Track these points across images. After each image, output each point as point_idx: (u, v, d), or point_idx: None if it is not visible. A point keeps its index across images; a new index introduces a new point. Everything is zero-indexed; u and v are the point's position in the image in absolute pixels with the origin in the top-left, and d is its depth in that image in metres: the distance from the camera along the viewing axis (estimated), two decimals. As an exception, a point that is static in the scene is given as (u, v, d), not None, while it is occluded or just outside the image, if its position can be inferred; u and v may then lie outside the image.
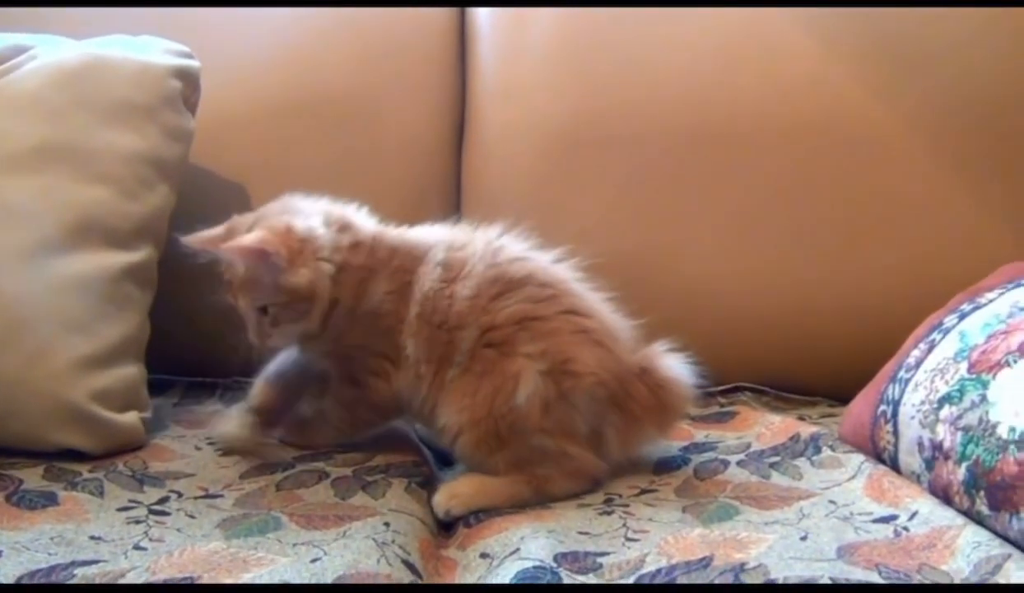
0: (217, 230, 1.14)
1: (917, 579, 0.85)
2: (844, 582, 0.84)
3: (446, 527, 1.05)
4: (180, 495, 1.04)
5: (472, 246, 1.14)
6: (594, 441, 1.09)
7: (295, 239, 1.10)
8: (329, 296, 1.11)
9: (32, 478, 1.06)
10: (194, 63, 1.35)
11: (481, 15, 1.58)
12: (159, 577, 0.86)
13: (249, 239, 1.08)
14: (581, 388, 1.07)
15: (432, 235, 1.17)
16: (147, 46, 1.34)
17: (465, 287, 1.10)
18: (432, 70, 1.57)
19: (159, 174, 1.28)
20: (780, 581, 0.84)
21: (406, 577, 0.88)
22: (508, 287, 1.10)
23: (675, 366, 1.13)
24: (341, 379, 1.16)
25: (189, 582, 0.85)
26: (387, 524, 0.96)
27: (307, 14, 1.56)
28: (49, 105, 1.24)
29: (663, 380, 1.12)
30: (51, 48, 1.30)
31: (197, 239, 1.12)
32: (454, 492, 1.07)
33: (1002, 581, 0.83)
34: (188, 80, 1.34)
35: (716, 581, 0.85)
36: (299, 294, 1.09)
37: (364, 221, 1.18)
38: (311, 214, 1.14)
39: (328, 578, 0.85)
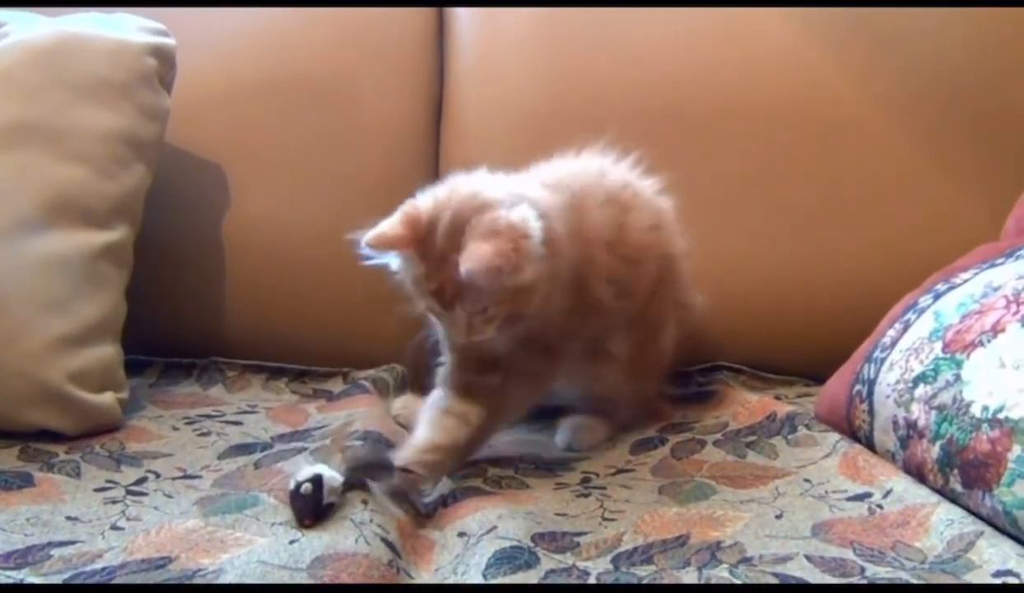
0: (395, 226, 1.02)
1: (891, 556, 0.85)
2: (819, 559, 0.85)
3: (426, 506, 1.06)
4: (158, 476, 1.04)
5: (611, 174, 1.19)
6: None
7: (518, 236, 1.00)
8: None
9: (7, 459, 1.06)
10: (170, 41, 1.34)
11: (460, 12, 1.58)
12: (136, 557, 0.85)
13: (483, 254, 0.97)
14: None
15: (559, 170, 1.17)
16: (122, 24, 1.32)
17: (639, 219, 1.15)
18: (410, 51, 1.56)
19: (135, 153, 1.27)
20: (755, 558, 0.85)
21: (385, 555, 0.88)
22: (656, 219, 1.19)
23: None
24: (531, 354, 1.10)
25: (166, 561, 0.85)
26: (364, 502, 0.96)
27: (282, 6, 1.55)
28: (23, 83, 1.23)
29: None
30: (24, 25, 1.29)
31: (388, 239, 1.02)
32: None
33: (975, 558, 0.83)
34: (164, 58, 1.33)
35: (692, 559, 0.86)
36: (523, 292, 1.02)
37: (524, 185, 1.10)
38: (509, 199, 1.04)
39: (306, 559, 0.85)
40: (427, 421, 1.08)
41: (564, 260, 1.05)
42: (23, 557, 0.86)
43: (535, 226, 1.01)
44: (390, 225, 1.02)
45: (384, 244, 1.02)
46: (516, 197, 1.04)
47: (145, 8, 1.46)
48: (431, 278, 1.01)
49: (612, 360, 1.18)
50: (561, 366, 1.15)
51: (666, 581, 0.83)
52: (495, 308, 1.02)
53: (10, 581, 0.82)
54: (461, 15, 1.57)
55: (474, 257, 0.97)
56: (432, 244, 1.01)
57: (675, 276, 1.24)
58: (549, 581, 0.83)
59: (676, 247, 1.23)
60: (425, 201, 1.04)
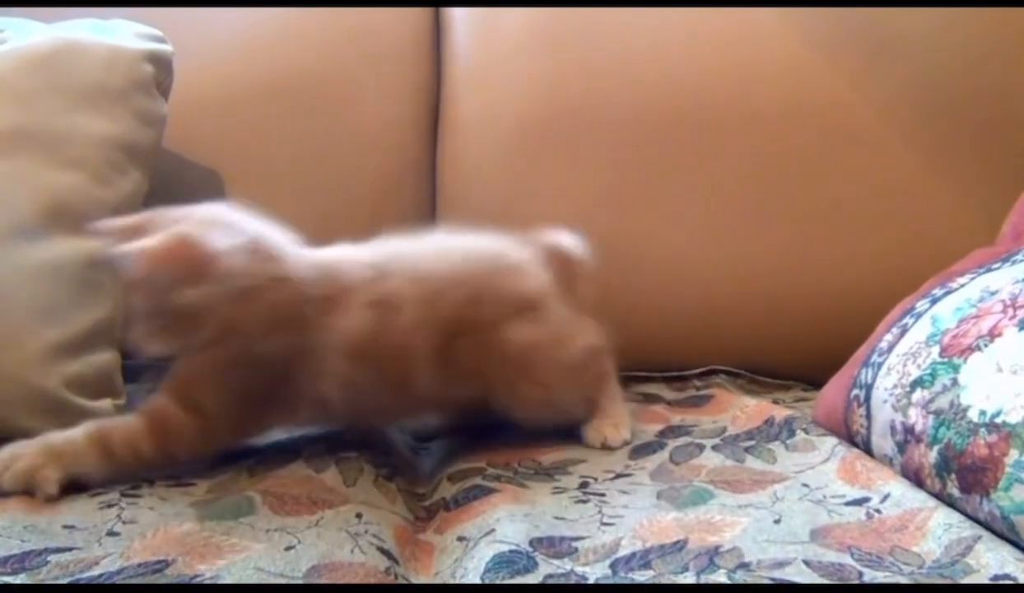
0: (131, 220, 1.04)
1: (889, 561, 0.85)
2: (818, 564, 0.85)
3: (426, 510, 1.06)
4: (151, 482, 1.04)
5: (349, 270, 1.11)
6: None
7: (205, 254, 0.99)
8: (225, 325, 1.02)
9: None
10: (166, 47, 1.34)
11: (456, 12, 1.58)
12: (133, 561, 0.85)
13: (154, 243, 0.98)
14: None
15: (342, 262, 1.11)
16: (118, 30, 1.32)
17: (402, 315, 1.09)
18: (407, 54, 1.57)
19: (131, 159, 1.27)
20: (753, 563, 0.85)
21: (381, 563, 0.88)
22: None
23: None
24: (176, 401, 1.06)
25: (163, 566, 0.85)
26: (359, 515, 0.97)
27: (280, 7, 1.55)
28: (19, 89, 1.23)
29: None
30: (21, 32, 1.28)
31: (106, 227, 1.03)
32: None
33: (972, 562, 0.83)
34: (160, 64, 1.33)
35: (690, 564, 0.86)
36: (186, 313, 1.00)
37: (296, 254, 1.08)
38: (237, 233, 1.03)
39: (303, 566, 0.85)
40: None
41: (263, 329, 1.03)
42: (20, 563, 0.86)
43: (237, 262, 1.01)
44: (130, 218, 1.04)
45: (107, 230, 1.03)
46: (251, 238, 1.03)
47: (142, 8, 1.47)
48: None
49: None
50: (206, 435, 1.07)
51: (664, 586, 0.83)
52: (162, 319, 1.01)
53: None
54: (458, 19, 1.58)
55: (143, 242, 0.98)
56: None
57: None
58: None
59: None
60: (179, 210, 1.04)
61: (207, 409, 1.05)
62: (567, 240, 1.24)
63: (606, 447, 1.17)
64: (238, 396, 1.06)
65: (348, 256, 1.12)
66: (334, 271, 1.09)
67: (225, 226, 1.03)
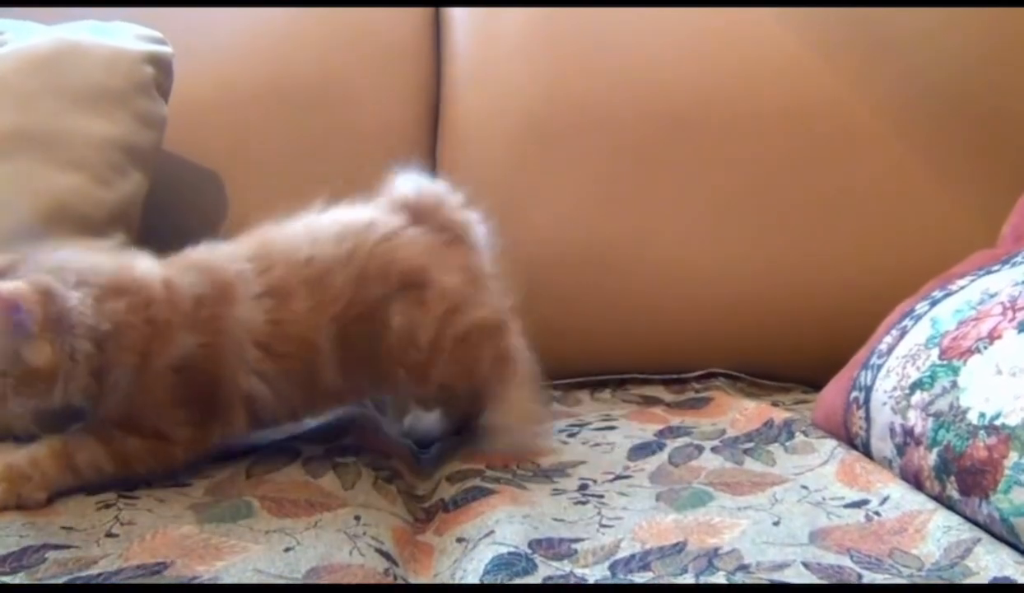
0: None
1: (888, 563, 0.85)
2: (816, 566, 0.84)
3: (425, 512, 1.06)
4: (149, 484, 1.04)
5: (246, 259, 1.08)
6: None
7: (53, 307, 0.94)
8: (90, 370, 0.97)
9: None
10: (167, 49, 1.34)
11: (456, 12, 1.58)
12: (132, 563, 0.85)
13: (4, 287, 0.92)
14: None
15: (208, 261, 1.07)
16: (119, 32, 1.33)
17: (296, 301, 1.06)
18: (407, 55, 1.57)
19: (132, 161, 1.27)
20: (753, 565, 0.85)
21: (380, 565, 0.88)
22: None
23: None
24: (123, 431, 1.02)
25: (162, 568, 0.85)
26: (357, 518, 0.97)
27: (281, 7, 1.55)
28: (20, 91, 1.23)
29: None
30: (21, 33, 1.29)
31: None
32: None
33: (971, 565, 0.83)
34: (161, 66, 1.33)
35: (689, 566, 0.86)
36: (37, 372, 0.95)
37: (150, 270, 1.03)
38: (74, 279, 0.97)
39: (302, 568, 0.85)
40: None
41: (143, 352, 0.99)
42: (18, 560, 0.86)
43: (81, 312, 0.95)
44: None
45: None
46: (91, 278, 0.98)
47: (142, 9, 1.47)
48: None
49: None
50: (176, 452, 1.05)
51: (663, 588, 0.83)
52: (9, 379, 0.95)
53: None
54: (458, 19, 1.58)
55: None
56: None
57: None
58: (546, 588, 0.84)
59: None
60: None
61: (154, 429, 1.02)
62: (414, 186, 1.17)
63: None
64: (175, 407, 1.03)
65: (221, 252, 1.09)
66: (213, 267, 1.06)
67: (65, 270, 0.97)
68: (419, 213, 1.14)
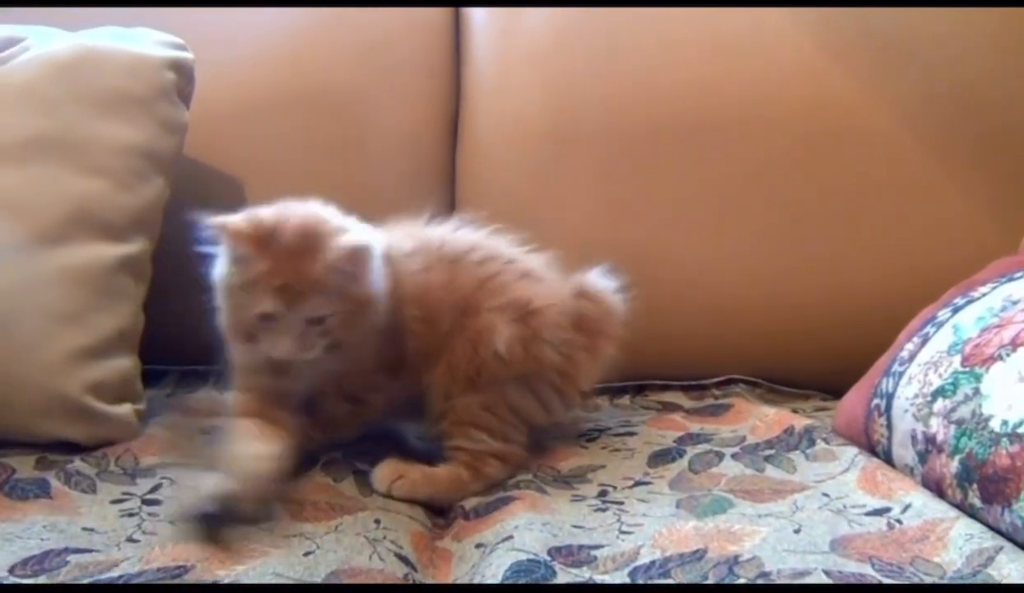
0: (237, 220, 1.02)
1: (910, 571, 0.85)
2: (838, 574, 0.84)
3: (440, 514, 1.06)
4: (173, 482, 1.04)
5: (417, 236, 1.16)
6: (567, 372, 1.16)
7: (366, 247, 1.03)
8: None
9: (24, 468, 1.06)
10: (188, 55, 1.35)
11: (475, 12, 1.58)
12: (152, 566, 0.86)
13: (356, 239, 1.02)
14: (546, 321, 1.13)
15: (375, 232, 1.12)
16: (141, 38, 1.33)
17: (433, 276, 1.12)
18: (427, 65, 1.57)
19: (153, 166, 1.28)
20: (773, 573, 0.85)
21: (400, 570, 0.88)
22: (457, 261, 1.14)
23: (600, 280, 1.21)
24: (335, 398, 1.11)
25: (183, 571, 0.85)
26: (377, 522, 0.97)
27: (302, 8, 1.55)
28: (42, 97, 1.24)
29: (599, 294, 1.20)
30: (44, 40, 1.29)
31: (231, 229, 1.01)
32: (401, 472, 1.07)
33: (994, 573, 0.83)
34: (182, 72, 1.33)
35: (710, 573, 0.86)
36: (361, 306, 1.03)
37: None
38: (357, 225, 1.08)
39: (321, 572, 0.86)
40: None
41: (388, 300, 1.07)
42: (39, 563, 0.86)
43: (398, 251, 1.09)
44: (233, 219, 1.02)
45: (228, 232, 1.01)
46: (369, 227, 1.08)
47: (164, 8, 1.48)
48: (275, 274, 1.00)
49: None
50: (370, 414, 1.14)
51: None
52: (332, 319, 1.01)
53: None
54: (477, 21, 1.57)
55: (346, 243, 1.01)
56: (277, 242, 1.01)
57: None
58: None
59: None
60: (265, 210, 1.05)
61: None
62: None
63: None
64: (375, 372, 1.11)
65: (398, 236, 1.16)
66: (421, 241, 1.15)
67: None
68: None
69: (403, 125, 1.53)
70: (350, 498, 1.02)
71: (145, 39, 1.33)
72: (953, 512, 0.94)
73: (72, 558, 0.87)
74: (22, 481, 1.03)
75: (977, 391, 0.98)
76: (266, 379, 1.07)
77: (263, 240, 1.01)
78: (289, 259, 1.00)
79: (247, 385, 1.10)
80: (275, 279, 0.99)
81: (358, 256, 1.01)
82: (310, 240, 1.01)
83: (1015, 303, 1.04)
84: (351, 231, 1.04)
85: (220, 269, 1.04)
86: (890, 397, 1.11)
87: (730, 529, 0.95)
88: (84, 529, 0.93)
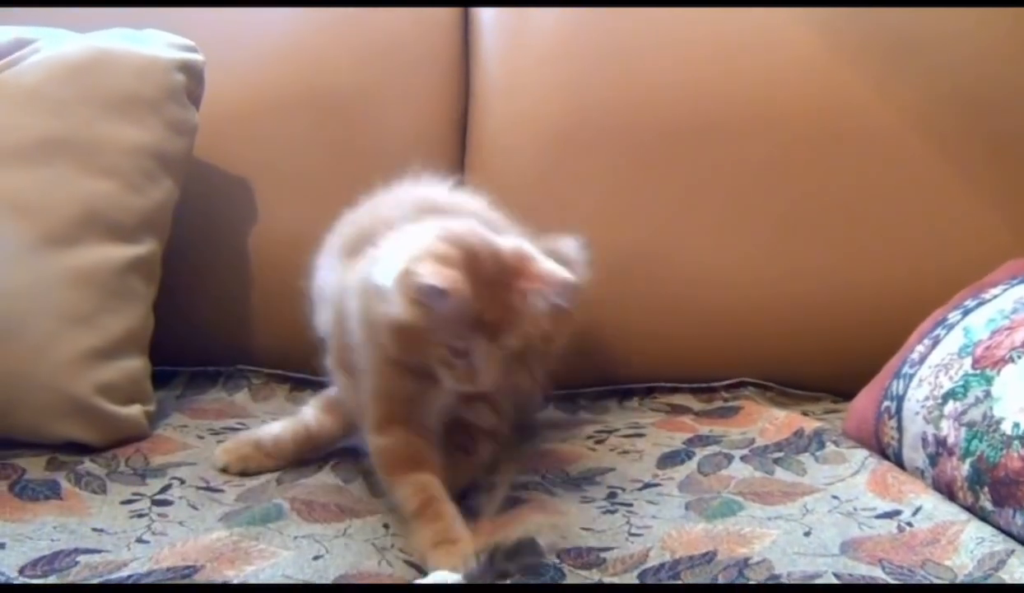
0: (449, 271, 0.90)
1: (920, 574, 0.84)
2: (848, 577, 0.84)
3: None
4: (183, 482, 1.04)
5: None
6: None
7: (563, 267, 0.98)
8: None
9: (35, 469, 1.06)
10: (198, 57, 1.35)
11: (484, 12, 1.58)
12: (162, 566, 0.86)
13: (562, 272, 0.95)
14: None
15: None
16: (151, 40, 1.33)
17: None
18: (436, 65, 1.57)
19: (163, 167, 1.28)
20: (784, 576, 0.84)
21: (408, 575, 0.88)
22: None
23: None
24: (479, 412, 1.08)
25: (192, 571, 0.85)
26: (386, 526, 0.97)
27: (311, 8, 1.56)
28: (53, 98, 1.24)
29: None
30: (54, 41, 1.30)
31: (457, 285, 0.89)
32: None
33: (1006, 577, 0.83)
34: (192, 74, 1.34)
35: (719, 576, 0.85)
36: (552, 330, 0.98)
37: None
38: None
39: (330, 576, 0.86)
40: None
41: None
42: (49, 564, 0.86)
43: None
44: (446, 272, 0.89)
45: (463, 289, 0.90)
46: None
47: (173, 9, 1.49)
48: (487, 309, 0.92)
49: None
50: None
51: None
52: (535, 348, 0.97)
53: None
54: (486, 21, 1.57)
55: (560, 275, 0.94)
56: (481, 278, 0.92)
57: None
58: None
59: None
60: (435, 240, 0.94)
61: None
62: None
63: None
64: None
65: None
66: None
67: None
68: None
69: (412, 125, 1.53)
70: (359, 500, 1.02)
71: (155, 41, 1.33)
72: (964, 515, 0.94)
73: (82, 558, 0.87)
74: (33, 482, 1.03)
75: (988, 394, 0.98)
76: (428, 415, 1.00)
77: (470, 279, 0.91)
78: (496, 292, 0.93)
79: (394, 421, 1.01)
80: (489, 314, 0.92)
81: (566, 289, 0.95)
82: (515, 268, 0.94)
83: (1026, 305, 1.04)
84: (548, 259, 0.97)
85: (398, 310, 0.91)
86: (901, 399, 1.10)
87: (740, 531, 0.95)
88: (94, 529, 0.93)
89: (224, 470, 1.09)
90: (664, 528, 0.96)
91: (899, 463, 1.09)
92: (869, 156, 1.44)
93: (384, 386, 1.00)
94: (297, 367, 1.41)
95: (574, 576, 0.87)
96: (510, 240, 0.97)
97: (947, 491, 0.99)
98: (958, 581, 0.83)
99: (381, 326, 0.94)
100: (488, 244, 0.95)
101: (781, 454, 1.14)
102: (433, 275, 0.88)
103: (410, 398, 0.99)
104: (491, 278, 0.93)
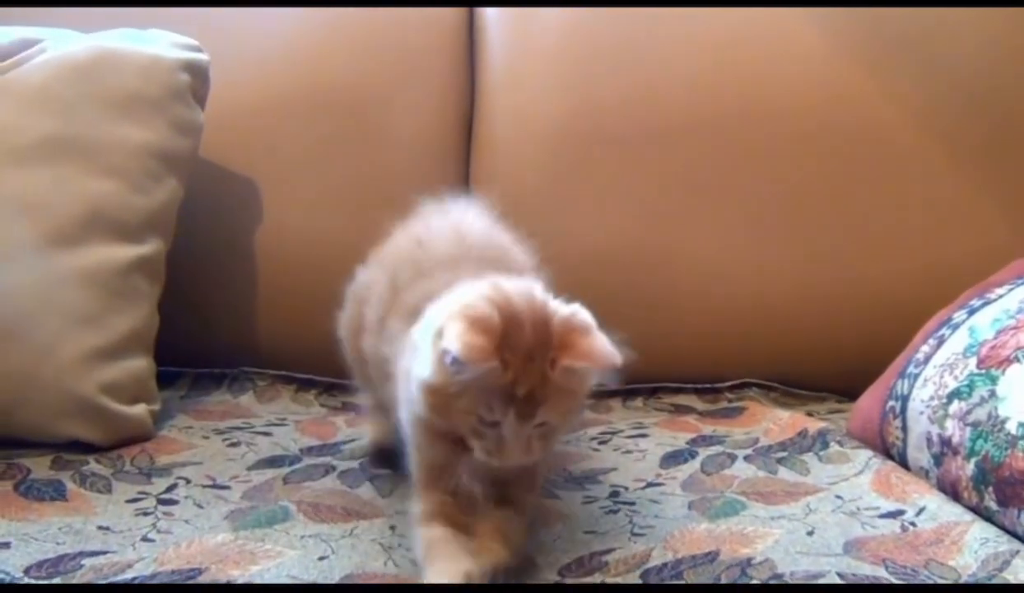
0: (478, 337, 0.82)
1: (924, 574, 0.84)
2: (851, 576, 0.84)
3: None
4: (188, 481, 1.05)
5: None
6: None
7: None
8: None
9: (40, 469, 1.07)
10: (203, 57, 1.35)
11: (490, 12, 1.58)
12: (167, 568, 0.86)
13: (605, 345, 0.86)
14: None
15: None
16: (156, 40, 1.34)
17: None
18: (441, 64, 1.57)
19: (168, 167, 1.28)
20: (786, 576, 0.84)
21: (415, 576, 0.88)
22: None
23: None
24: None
25: (196, 573, 0.85)
26: (393, 528, 0.97)
27: (316, 8, 1.56)
28: (58, 98, 1.24)
29: None
30: (60, 41, 1.30)
31: (485, 352, 0.82)
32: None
33: (1010, 577, 0.82)
34: (197, 74, 1.34)
35: (722, 576, 0.85)
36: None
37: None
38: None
39: (336, 576, 0.86)
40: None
41: None
42: (54, 567, 0.86)
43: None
44: (469, 338, 0.82)
45: (481, 358, 0.82)
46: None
47: (178, 8, 1.49)
48: (520, 382, 0.84)
49: None
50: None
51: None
52: (561, 419, 0.89)
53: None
54: (491, 21, 1.57)
55: (609, 355, 0.86)
56: (519, 348, 0.85)
57: None
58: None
59: None
60: (478, 300, 0.87)
61: None
62: None
63: None
64: None
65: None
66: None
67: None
68: None
69: (418, 124, 1.53)
70: (366, 503, 1.02)
71: (160, 41, 1.34)
72: (968, 515, 0.94)
73: (87, 561, 0.87)
74: (38, 482, 1.03)
75: (993, 393, 0.98)
76: (466, 480, 0.92)
77: (501, 348, 0.84)
78: (530, 363, 0.85)
79: (436, 484, 0.93)
80: (521, 387, 0.85)
81: (606, 362, 0.86)
82: (551, 339, 0.86)
83: (1031, 305, 1.04)
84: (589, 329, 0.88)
85: (426, 371, 0.85)
86: (905, 399, 1.10)
87: (743, 531, 0.94)
88: (99, 528, 0.94)
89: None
90: (667, 527, 0.96)
91: (904, 463, 1.09)
92: (873, 156, 1.44)
93: (423, 451, 0.93)
94: (302, 368, 1.41)
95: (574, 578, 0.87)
96: (567, 308, 0.89)
97: (952, 491, 0.99)
98: (962, 581, 0.83)
99: (414, 384, 0.87)
100: (538, 310, 0.87)
101: (785, 454, 1.14)
102: (455, 340, 0.81)
103: (448, 463, 0.91)
104: (531, 349, 0.85)
